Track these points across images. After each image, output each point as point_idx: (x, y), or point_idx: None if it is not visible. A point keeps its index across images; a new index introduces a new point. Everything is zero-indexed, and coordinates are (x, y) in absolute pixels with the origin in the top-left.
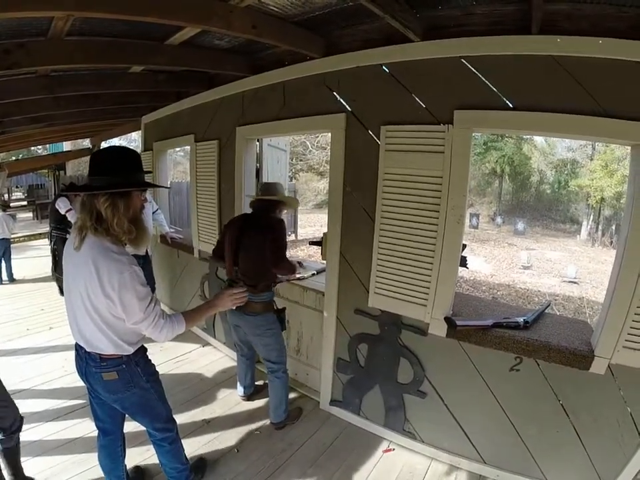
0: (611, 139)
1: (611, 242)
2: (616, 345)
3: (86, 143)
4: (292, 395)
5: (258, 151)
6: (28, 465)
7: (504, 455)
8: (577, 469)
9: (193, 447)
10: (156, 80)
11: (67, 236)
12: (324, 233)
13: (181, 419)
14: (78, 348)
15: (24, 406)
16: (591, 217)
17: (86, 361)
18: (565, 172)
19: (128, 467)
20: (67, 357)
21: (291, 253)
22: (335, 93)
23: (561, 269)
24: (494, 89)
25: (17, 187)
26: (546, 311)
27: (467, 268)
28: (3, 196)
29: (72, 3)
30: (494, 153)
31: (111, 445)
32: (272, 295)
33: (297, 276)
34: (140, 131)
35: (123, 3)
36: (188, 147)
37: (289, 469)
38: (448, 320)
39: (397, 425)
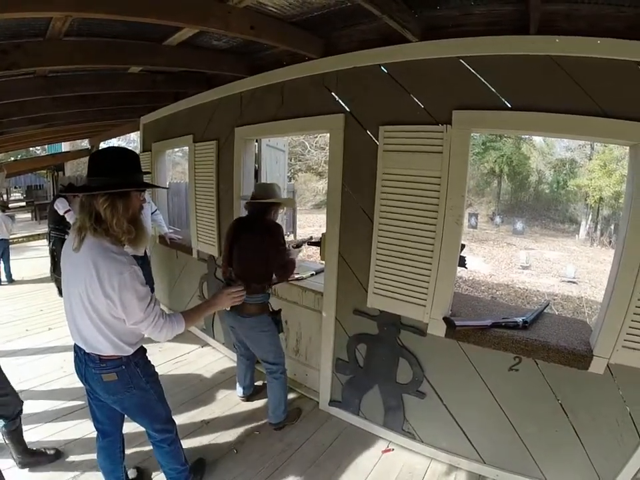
0: (609, 139)
1: (610, 241)
2: (615, 345)
3: (85, 143)
4: (291, 396)
5: (256, 152)
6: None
7: (503, 455)
8: (576, 469)
9: (192, 447)
10: (154, 80)
11: (66, 237)
12: (322, 234)
13: (180, 419)
14: (77, 349)
15: (23, 407)
16: (590, 216)
17: (85, 362)
18: (564, 172)
19: (127, 468)
20: (66, 358)
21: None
22: (333, 94)
23: (559, 269)
24: (492, 89)
25: (15, 188)
26: (545, 310)
27: (466, 268)
28: (2, 196)
29: (70, 3)
30: (492, 153)
31: (110, 446)
32: (267, 297)
33: (296, 276)
34: (139, 132)
35: (121, 3)
36: (186, 148)
37: (289, 470)
38: (447, 320)
39: (396, 425)
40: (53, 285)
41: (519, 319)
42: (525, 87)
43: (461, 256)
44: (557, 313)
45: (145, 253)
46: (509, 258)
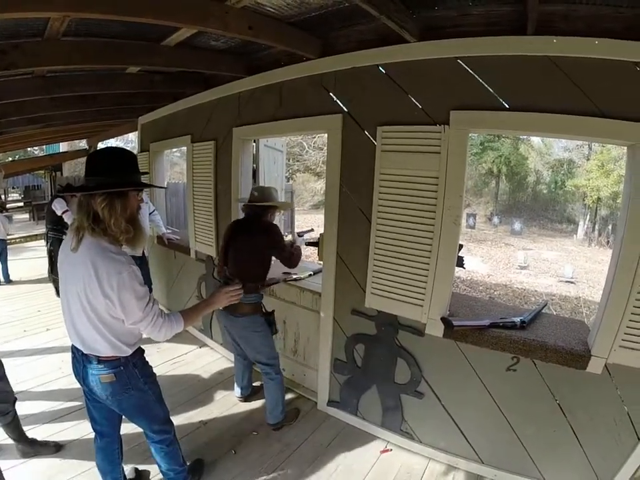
0: (607, 139)
1: (608, 242)
2: (612, 345)
3: (83, 143)
4: (289, 396)
5: (254, 152)
6: (25, 466)
7: (501, 455)
8: (574, 468)
9: (190, 448)
10: (152, 81)
11: (64, 237)
12: (320, 234)
13: (178, 420)
14: (74, 350)
15: (21, 408)
16: (588, 216)
17: (83, 363)
18: (562, 172)
19: (125, 469)
20: (64, 359)
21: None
22: (331, 94)
23: (557, 269)
24: (490, 89)
25: (13, 188)
26: (543, 310)
27: (464, 268)
28: (0, 197)
29: (68, 3)
30: (490, 153)
31: (108, 447)
32: (260, 297)
33: (294, 277)
34: (137, 132)
35: (120, 3)
36: (185, 148)
37: (287, 470)
38: (445, 320)
39: (394, 425)
40: (50, 286)
41: (517, 319)
42: (522, 88)
43: (458, 256)
44: (554, 313)
45: (143, 253)
46: (506, 258)
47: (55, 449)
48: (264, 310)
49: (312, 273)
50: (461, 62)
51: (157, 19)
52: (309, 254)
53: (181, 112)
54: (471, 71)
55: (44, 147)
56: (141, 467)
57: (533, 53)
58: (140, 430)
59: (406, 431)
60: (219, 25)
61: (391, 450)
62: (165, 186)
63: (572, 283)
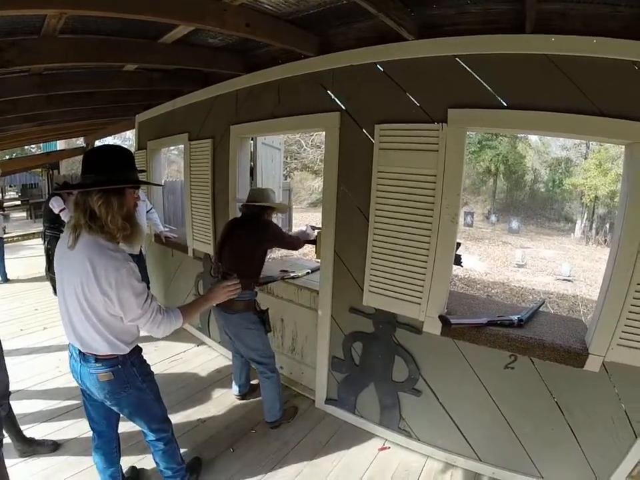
0: (605, 137)
1: (605, 240)
2: (610, 343)
3: (80, 141)
4: (287, 394)
5: (252, 150)
6: (23, 465)
7: (499, 452)
8: (572, 466)
9: (188, 446)
10: (150, 78)
11: (61, 235)
12: (318, 232)
13: (176, 418)
14: (72, 349)
15: (18, 407)
16: (585, 215)
17: (80, 361)
18: (559, 170)
19: (123, 468)
20: (61, 357)
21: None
22: (329, 92)
23: (555, 267)
24: (488, 87)
25: (10, 187)
26: (540, 309)
27: (462, 266)
28: None
29: (65, 0)
30: (488, 152)
31: (106, 446)
32: (253, 295)
33: (291, 275)
34: (134, 130)
35: (119, 1)
36: (182, 146)
37: (285, 468)
38: (442, 318)
39: (392, 423)
40: (47, 284)
41: (515, 317)
42: (520, 86)
43: (456, 254)
44: (552, 311)
45: (141, 251)
46: (504, 256)
47: (52, 447)
48: (257, 308)
49: (309, 270)
50: (459, 60)
51: (155, 17)
52: (307, 252)
53: (178, 110)
54: (469, 69)
55: (41, 145)
56: (138, 466)
57: (531, 51)
58: (138, 428)
59: (404, 429)
60: (216, 22)
61: (389, 448)
62: (162, 184)
63: (569, 281)
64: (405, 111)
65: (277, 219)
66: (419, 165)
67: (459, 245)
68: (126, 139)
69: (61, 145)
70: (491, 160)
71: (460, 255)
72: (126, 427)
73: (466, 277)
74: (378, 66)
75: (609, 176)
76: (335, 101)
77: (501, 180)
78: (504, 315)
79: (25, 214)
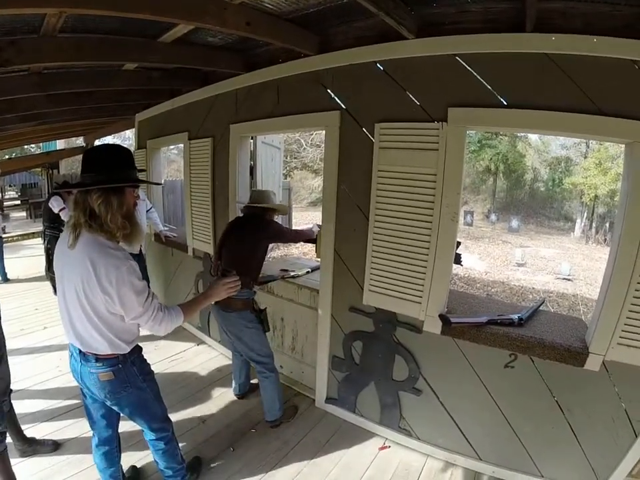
0: (605, 136)
1: (605, 239)
2: (610, 342)
3: (79, 141)
4: (287, 393)
5: (252, 149)
6: (23, 465)
7: (500, 452)
8: (572, 465)
9: (188, 446)
10: (149, 77)
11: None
12: (318, 231)
13: (176, 418)
14: (72, 349)
15: (19, 406)
16: (585, 214)
17: (81, 361)
18: (559, 170)
19: (124, 467)
20: (61, 357)
21: (285, 251)
22: (329, 91)
23: (555, 266)
24: (488, 86)
25: (10, 186)
26: (540, 308)
27: (461, 265)
28: None
29: None
30: (488, 151)
31: (106, 445)
32: (252, 294)
33: (291, 274)
34: (133, 129)
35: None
36: (182, 145)
37: (285, 467)
38: (442, 317)
39: (392, 422)
40: (47, 284)
41: (515, 316)
42: (521, 85)
43: (456, 253)
44: (552, 310)
45: (140, 250)
46: (504, 255)
47: (53, 447)
48: (255, 307)
49: (309, 270)
50: (459, 59)
51: (155, 15)
52: (307, 251)
53: (178, 109)
54: (469, 68)
55: (40, 144)
56: (139, 465)
57: (531, 50)
58: (138, 427)
59: (404, 428)
60: (216, 21)
61: (389, 447)
62: (162, 183)
63: (569, 280)
64: (405, 110)
65: (277, 219)
66: (419, 163)
67: (458, 244)
68: (126, 138)
69: (60, 144)
70: (491, 159)
71: (460, 254)
72: (126, 426)
73: (466, 276)
74: (378, 65)
75: (609, 175)
76: (335, 99)
77: (501, 179)
78: (504, 314)
79: (24, 213)
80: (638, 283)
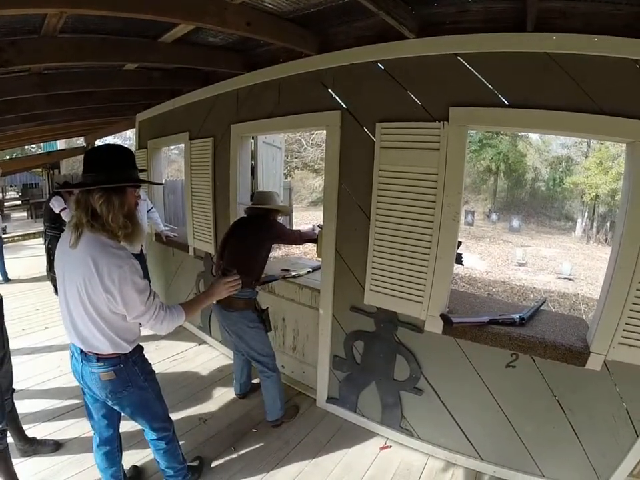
0: (606, 136)
1: (606, 239)
2: (611, 342)
3: (80, 141)
4: (288, 393)
5: (253, 149)
6: (24, 465)
7: (501, 451)
8: (573, 465)
9: (189, 445)
10: (150, 77)
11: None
12: (319, 230)
13: (177, 417)
14: (73, 349)
15: (20, 406)
16: (586, 214)
17: (82, 361)
18: (560, 169)
19: (125, 467)
20: (62, 357)
21: (286, 251)
22: (329, 90)
23: (556, 266)
24: (489, 86)
25: (11, 186)
26: (541, 307)
27: (463, 265)
28: None
29: None
30: (489, 150)
31: (107, 445)
32: (254, 294)
33: (292, 274)
34: (134, 129)
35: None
36: (182, 145)
37: (286, 467)
38: (444, 317)
39: (393, 422)
40: (48, 284)
41: (516, 316)
42: (521, 84)
43: (457, 253)
44: (553, 309)
45: (141, 250)
46: (505, 255)
47: (54, 447)
48: (257, 307)
49: (311, 269)
50: (460, 58)
51: (155, 15)
52: (308, 250)
53: (178, 109)
54: (470, 68)
55: (41, 144)
56: (140, 465)
57: (532, 49)
58: (139, 427)
59: (405, 428)
60: (217, 21)
61: (391, 447)
62: (163, 183)
63: (570, 280)
64: (406, 110)
65: (279, 219)
66: (420, 163)
67: (459, 243)
68: (126, 138)
69: (61, 144)
70: (492, 159)
71: (461, 254)
72: (127, 426)
73: (467, 275)
74: (379, 64)
75: (610, 174)
76: (335, 99)
77: (502, 179)
78: (505, 313)
79: (25, 214)
80: (639, 282)
